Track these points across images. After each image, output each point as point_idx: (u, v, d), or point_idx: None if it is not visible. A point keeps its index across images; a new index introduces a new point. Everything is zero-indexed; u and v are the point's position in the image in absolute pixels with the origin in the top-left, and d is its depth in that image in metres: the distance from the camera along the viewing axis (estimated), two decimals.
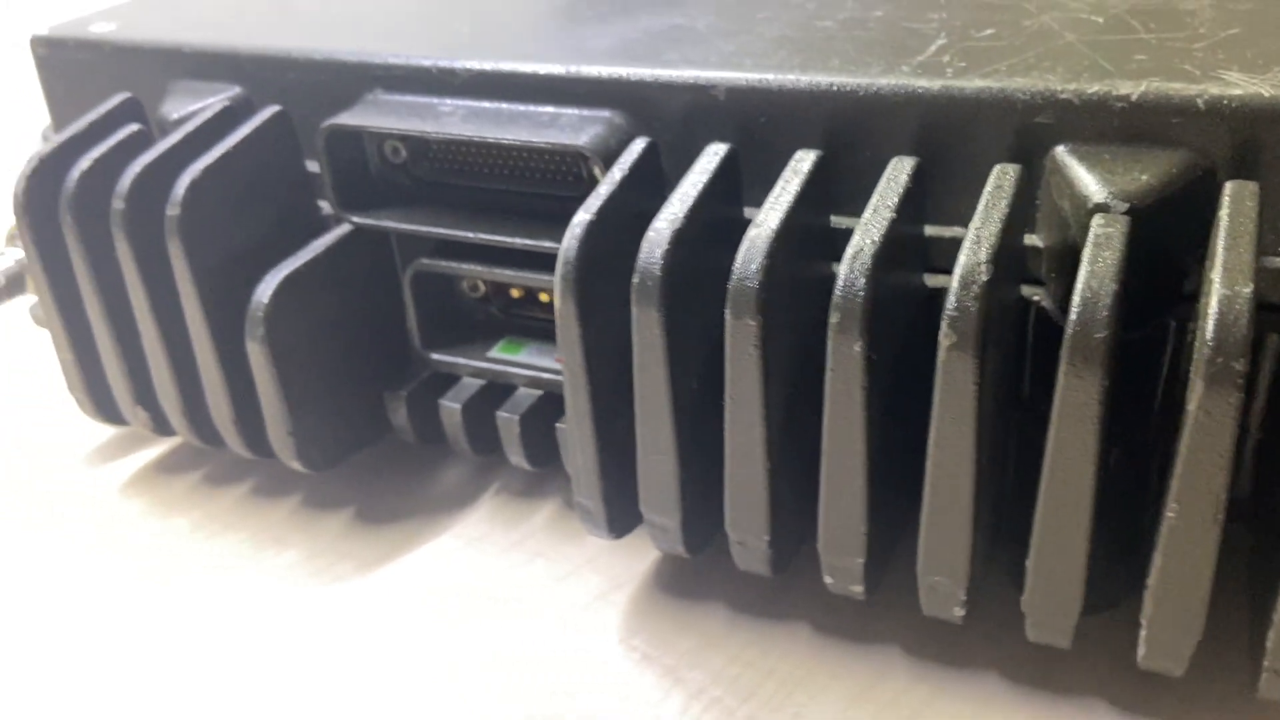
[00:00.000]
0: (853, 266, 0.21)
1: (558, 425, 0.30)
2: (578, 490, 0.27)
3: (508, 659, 0.27)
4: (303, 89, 0.32)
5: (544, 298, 0.32)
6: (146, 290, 0.30)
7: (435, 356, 0.32)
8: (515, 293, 0.33)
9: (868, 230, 0.22)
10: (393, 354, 0.32)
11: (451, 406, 0.31)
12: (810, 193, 0.24)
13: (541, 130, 0.28)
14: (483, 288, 0.33)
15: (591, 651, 0.26)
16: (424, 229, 0.30)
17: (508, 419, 0.31)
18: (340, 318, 0.31)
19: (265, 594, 0.30)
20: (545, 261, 0.28)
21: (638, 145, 0.26)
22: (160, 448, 0.37)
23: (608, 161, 0.27)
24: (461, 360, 0.32)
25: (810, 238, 0.24)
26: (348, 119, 0.30)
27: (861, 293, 0.21)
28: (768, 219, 0.23)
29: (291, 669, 0.27)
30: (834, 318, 0.21)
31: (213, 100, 0.33)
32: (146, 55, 0.34)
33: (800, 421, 0.24)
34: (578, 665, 0.26)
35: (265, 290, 0.29)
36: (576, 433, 0.26)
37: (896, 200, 0.22)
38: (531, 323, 0.32)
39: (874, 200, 0.23)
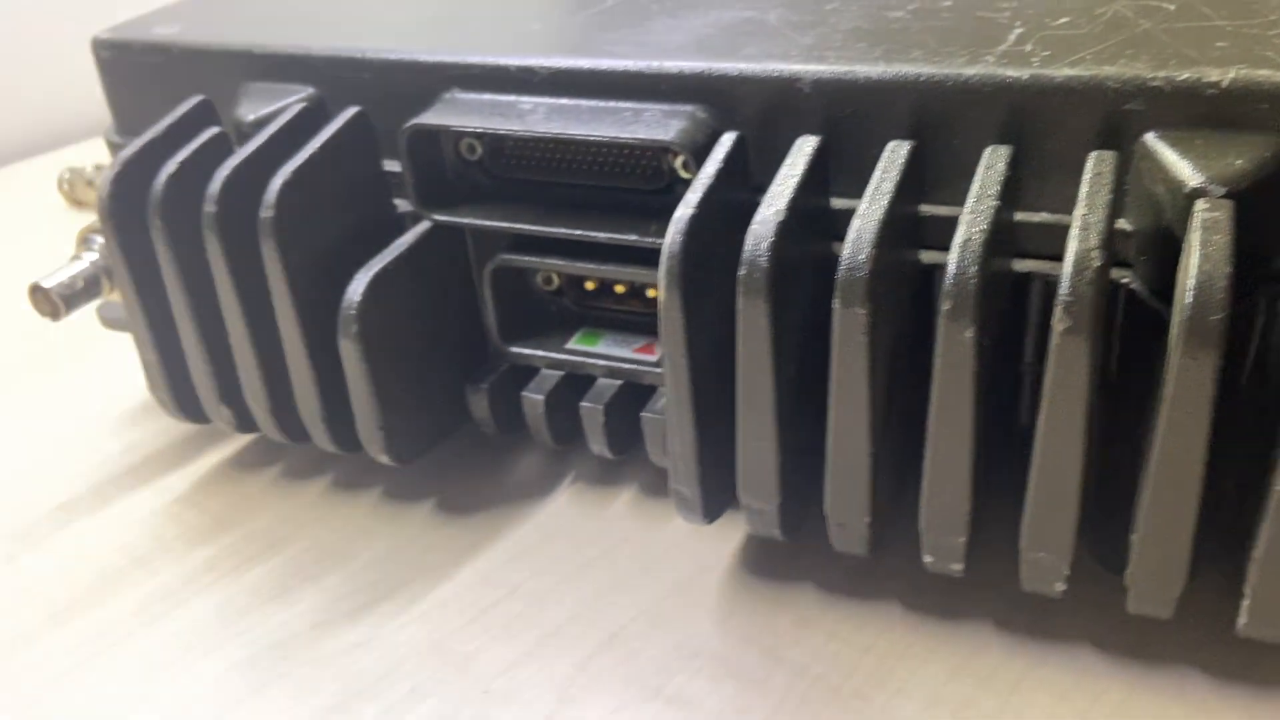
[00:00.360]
0: (964, 255, 0.22)
1: (643, 415, 0.30)
2: (675, 478, 0.27)
3: (604, 642, 0.27)
4: (377, 90, 0.32)
5: (619, 289, 0.33)
6: (236, 290, 0.30)
7: (514, 349, 0.33)
8: (590, 285, 0.33)
9: (975, 219, 0.22)
10: (469, 347, 0.32)
11: (535, 398, 0.32)
12: (907, 183, 0.25)
13: (627, 126, 0.28)
14: (557, 281, 0.33)
15: (689, 633, 0.27)
16: (506, 225, 0.30)
17: (592, 409, 0.31)
18: (422, 313, 0.32)
19: (363, 584, 0.30)
20: (623, 254, 0.29)
21: (728, 139, 0.27)
22: (231, 446, 0.37)
23: (696, 156, 0.27)
24: (540, 352, 0.32)
25: (907, 227, 0.25)
26: (432, 119, 0.30)
27: (973, 280, 0.22)
28: (872, 209, 0.23)
29: (390, 662, 0.27)
30: (945, 305, 0.22)
31: (288, 102, 0.33)
32: (218, 58, 0.35)
33: (896, 404, 0.25)
34: (676, 646, 0.27)
35: (357, 288, 0.29)
36: (676, 421, 0.26)
37: (999, 188, 0.23)
38: (606, 314, 0.32)
39: (976, 189, 0.23)
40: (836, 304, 0.23)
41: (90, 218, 0.36)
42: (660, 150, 0.30)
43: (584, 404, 0.31)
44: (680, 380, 0.25)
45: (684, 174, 0.30)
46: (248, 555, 0.32)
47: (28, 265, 0.50)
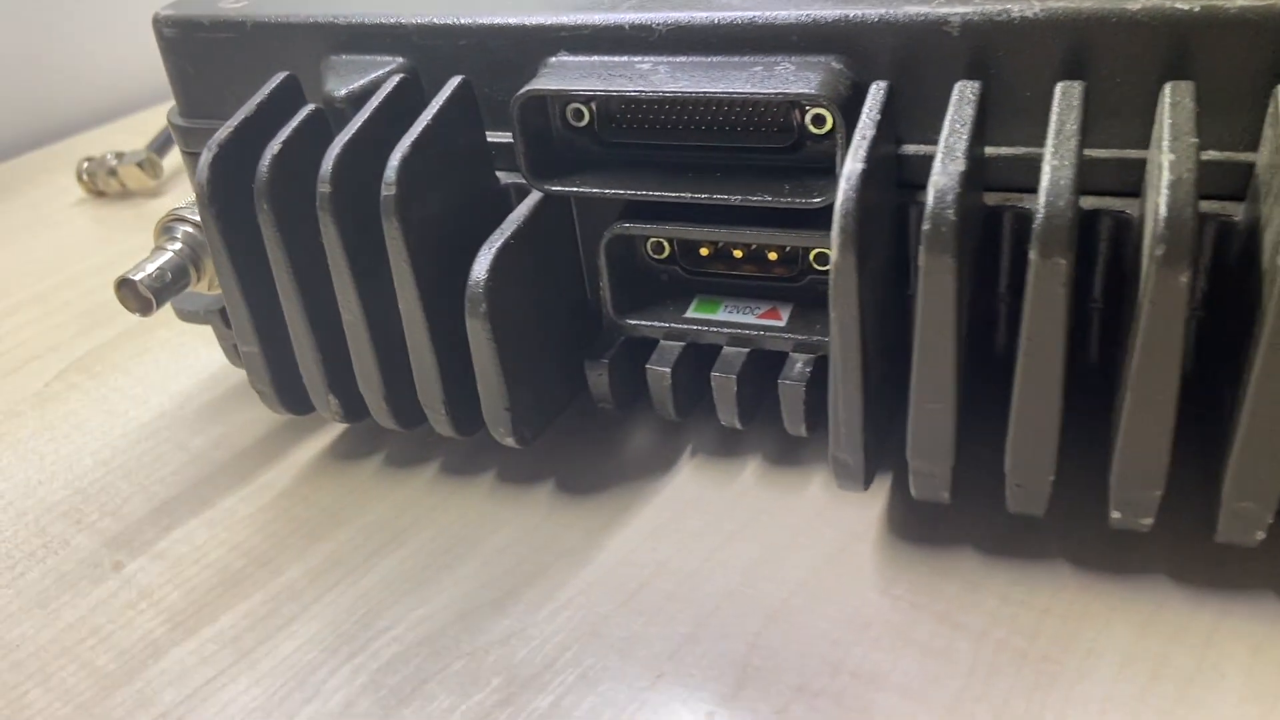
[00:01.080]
0: (1176, 196, 0.21)
1: (782, 382, 0.29)
2: (836, 445, 0.26)
3: (769, 618, 0.26)
4: (476, 58, 0.31)
5: (736, 254, 0.32)
6: (352, 273, 0.29)
7: (630, 321, 0.31)
8: (704, 250, 0.32)
9: (1180, 160, 0.21)
10: (577, 321, 0.31)
11: (660, 370, 0.31)
12: (1085, 125, 0.23)
13: (763, 81, 0.27)
14: (668, 248, 0.32)
15: (854, 604, 0.26)
16: (630, 193, 0.29)
17: (724, 379, 0.30)
18: (538, 288, 0.30)
19: (500, 571, 0.29)
20: (744, 217, 0.28)
21: (879, 89, 0.26)
22: (326, 436, 0.36)
23: (843, 110, 0.26)
24: (658, 323, 0.31)
25: (1086, 171, 0.24)
26: (548, 84, 0.29)
27: (1189, 223, 0.20)
28: (1062, 157, 0.22)
29: (550, 650, 0.26)
30: (1159, 250, 0.21)
31: (379, 74, 0.32)
32: (299, 31, 0.33)
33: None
34: (845, 619, 0.26)
35: (482, 265, 0.28)
36: (843, 388, 0.25)
37: (1193, 125, 0.22)
38: (720, 280, 0.31)
39: (1168, 129, 0.22)
40: (1034, 255, 0.22)
41: (113, 206, 0.34)
42: (790, 105, 0.28)
43: (715, 374, 0.30)
44: (850, 345, 0.24)
45: (814, 129, 0.28)
46: (372, 548, 0.31)
47: (63, 258, 0.48)
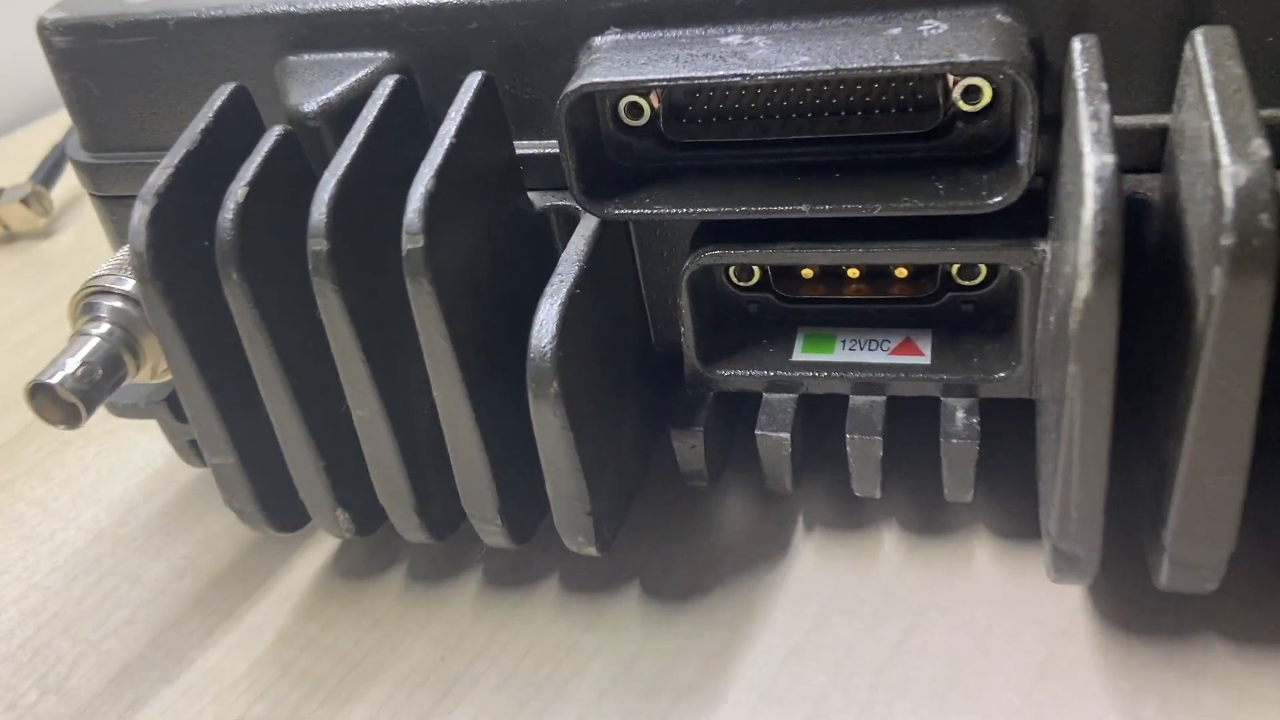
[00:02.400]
0: (1251, 174, 0.14)
1: (949, 443, 0.23)
2: (1062, 534, 0.20)
3: None
4: (490, 45, 0.24)
5: (853, 273, 0.25)
6: (365, 354, 0.21)
7: (723, 372, 0.25)
8: (808, 273, 0.25)
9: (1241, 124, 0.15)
10: (647, 373, 0.26)
11: (778, 439, 0.24)
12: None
13: (911, 48, 0.20)
14: (758, 273, 0.26)
15: None
16: (719, 211, 0.23)
17: (865, 442, 0.24)
18: (606, 345, 0.24)
19: (617, 710, 0.22)
20: (872, 228, 0.22)
21: (1087, 45, 0.19)
22: (317, 552, 0.28)
23: (1034, 77, 0.19)
24: (758, 371, 0.25)
25: None
26: (607, 75, 0.21)
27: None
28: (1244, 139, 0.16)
29: None
30: (1226, 240, 0.15)
31: (360, 77, 0.24)
32: (242, 27, 0.25)
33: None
34: None
35: (547, 328, 0.21)
36: (1081, 465, 0.19)
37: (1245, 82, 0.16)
38: (830, 307, 0.25)
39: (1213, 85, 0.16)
40: (1222, 277, 0.16)
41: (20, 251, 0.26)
42: (935, 79, 0.22)
43: (854, 435, 0.24)
44: (1099, 409, 0.18)
45: (966, 106, 0.22)
46: (421, 710, 0.23)
47: None
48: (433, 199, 0.20)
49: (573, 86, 0.22)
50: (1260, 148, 0.16)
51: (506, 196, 0.24)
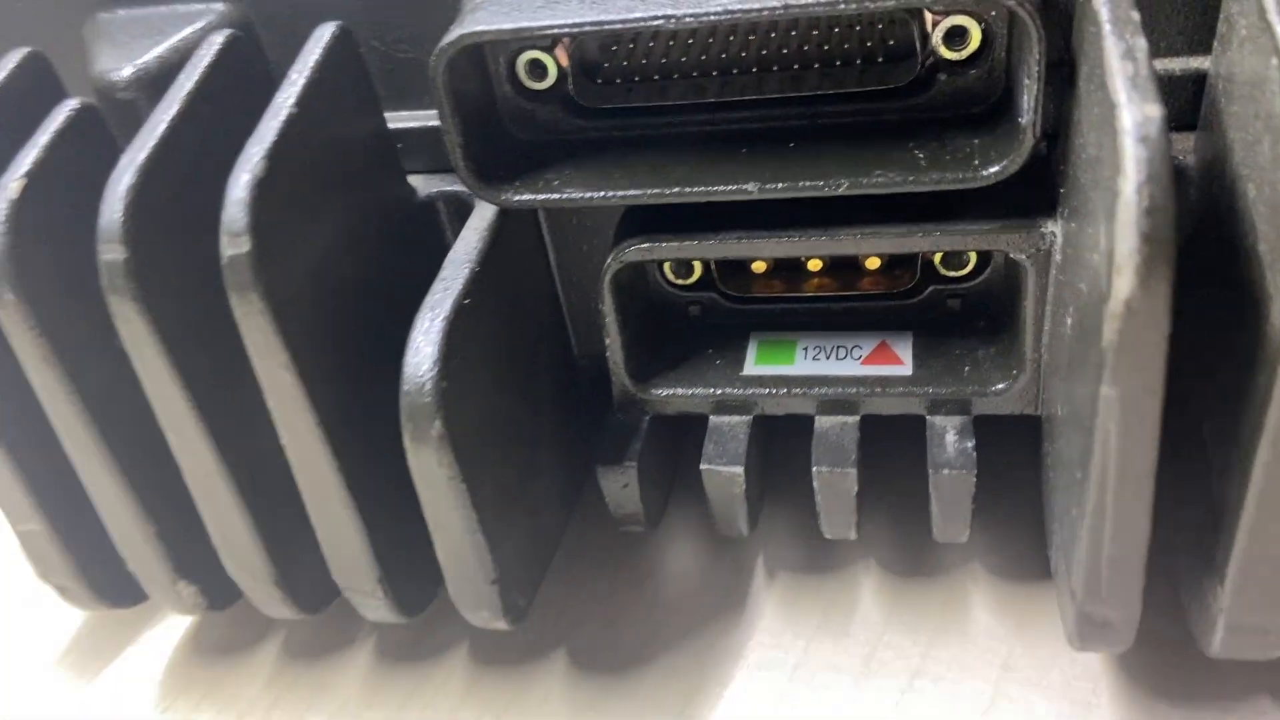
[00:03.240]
0: None
1: (938, 472, 0.19)
2: (1094, 595, 0.16)
3: None
4: None
5: (814, 265, 0.22)
6: (188, 392, 0.17)
7: (660, 392, 0.21)
8: (759, 267, 0.22)
9: None
10: (566, 393, 0.22)
11: (731, 472, 0.21)
12: None
13: None
14: (698, 270, 0.22)
15: None
16: (645, 193, 0.19)
17: (836, 475, 0.20)
18: (510, 366, 0.20)
19: None
20: (829, 211, 0.19)
21: None
22: (168, 627, 0.24)
23: (1039, 9, 0.15)
24: (702, 390, 0.21)
25: None
26: (491, 23, 0.17)
27: None
28: None
29: None
30: None
31: (186, 34, 0.20)
32: None
33: None
34: None
35: (425, 351, 0.17)
36: (1115, 512, 0.15)
37: None
38: (788, 307, 0.22)
39: None
40: None
41: None
42: (909, 19, 0.18)
43: (822, 468, 0.20)
44: (1144, 444, 0.14)
45: (949, 53, 0.18)
46: None
47: None
48: (263, 188, 0.16)
49: (451, 38, 0.17)
50: None
51: (376, 183, 0.20)
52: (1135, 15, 0.14)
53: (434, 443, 0.17)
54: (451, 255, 0.19)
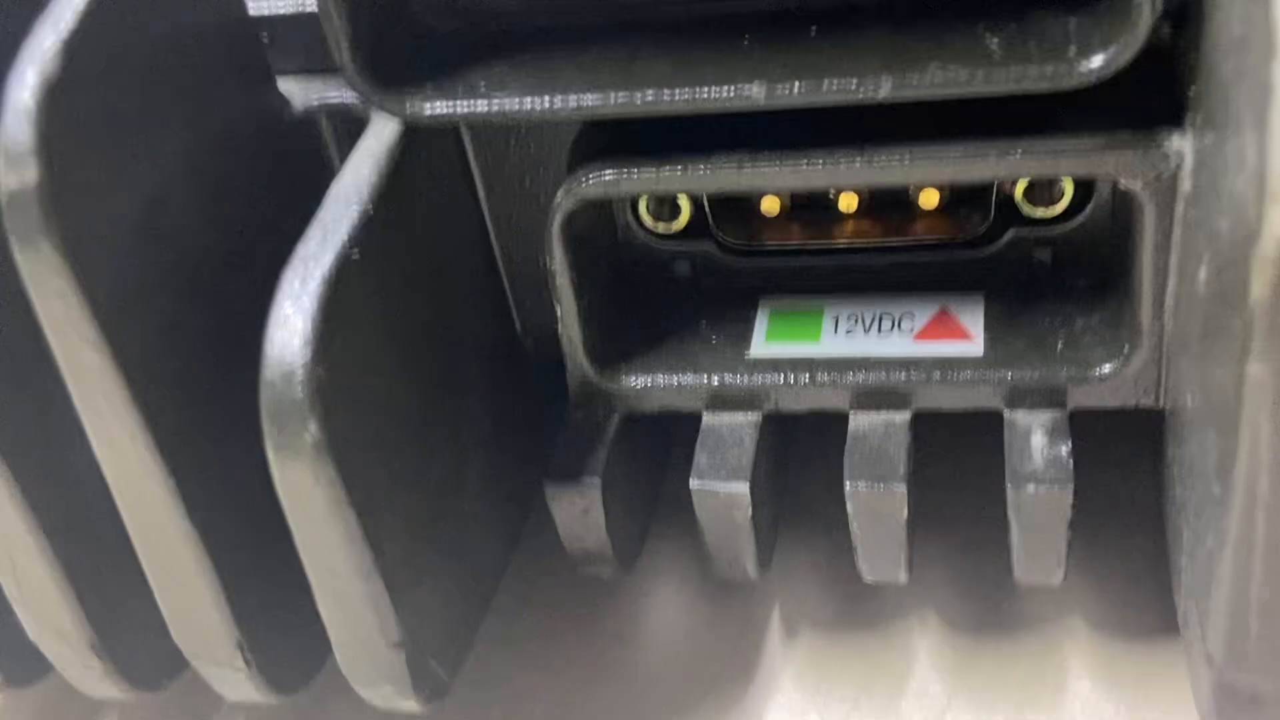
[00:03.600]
0: None
1: (1020, 489, 0.20)
2: (1238, 658, 0.17)
3: None
4: None
5: (847, 203, 0.22)
6: None
7: (633, 381, 0.22)
8: (770, 205, 0.22)
9: None
10: (520, 390, 0.23)
11: (730, 492, 0.21)
12: None
13: None
14: (687, 210, 0.23)
15: None
16: (614, 102, 0.19)
17: (879, 495, 0.20)
18: (424, 346, 0.20)
19: None
20: (865, 124, 0.19)
21: None
22: None
23: None
24: (691, 378, 0.22)
25: None
26: None
27: None
28: None
29: None
30: None
31: None
32: None
33: None
34: None
35: (295, 326, 0.17)
36: (1273, 542, 0.15)
37: None
38: (812, 263, 0.23)
39: None
40: None
41: None
42: None
43: (860, 485, 0.20)
44: None
45: None
46: None
47: None
48: (58, 93, 0.15)
49: None
50: None
51: (230, 89, 0.20)
52: None
53: (309, 453, 0.17)
54: (334, 189, 0.19)
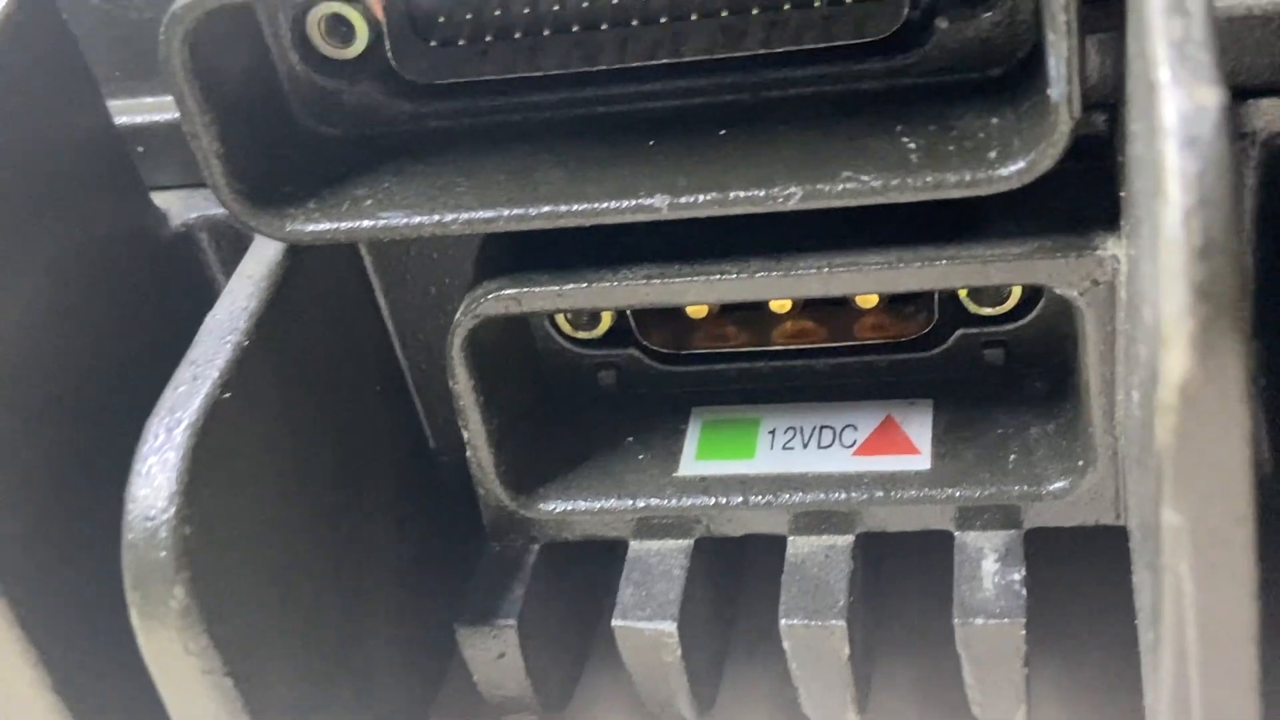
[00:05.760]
0: None
1: (966, 622, 0.20)
2: None
3: None
4: None
5: (779, 306, 0.23)
6: None
7: (552, 507, 0.22)
8: (697, 311, 0.23)
9: None
10: (427, 520, 0.23)
11: (657, 631, 0.21)
12: None
13: None
14: (607, 319, 0.23)
15: None
16: (507, 217, 0.19)
17: (817, 632, 0.21)
18: (310, 485, 0.21)
19: None
20: (785, 229, 0.20)
21: None
22: None
23: None
24: (615, 502, 0.22)
25: None
26: None
27: None
28: None
29: None
30: None
31: None
32: None
33: None
34: None
35: (158, 482, 0.18)
36: (1208, 685, 0.16)
37: None
38: (746, 367, 0.24)
39: None
40: None
41: None
42: None
43: (794, 622, 0.21)
44: (1229, 586, 0.15)
45: None
46: None
47: None
48: None
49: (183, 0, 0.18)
50: None
51: (99, 205, 0.21)
52: None
53: (175, 620, 0.17)
54: (208, 321, 0.19)
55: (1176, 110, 0.13)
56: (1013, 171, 0.17)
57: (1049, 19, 0.17)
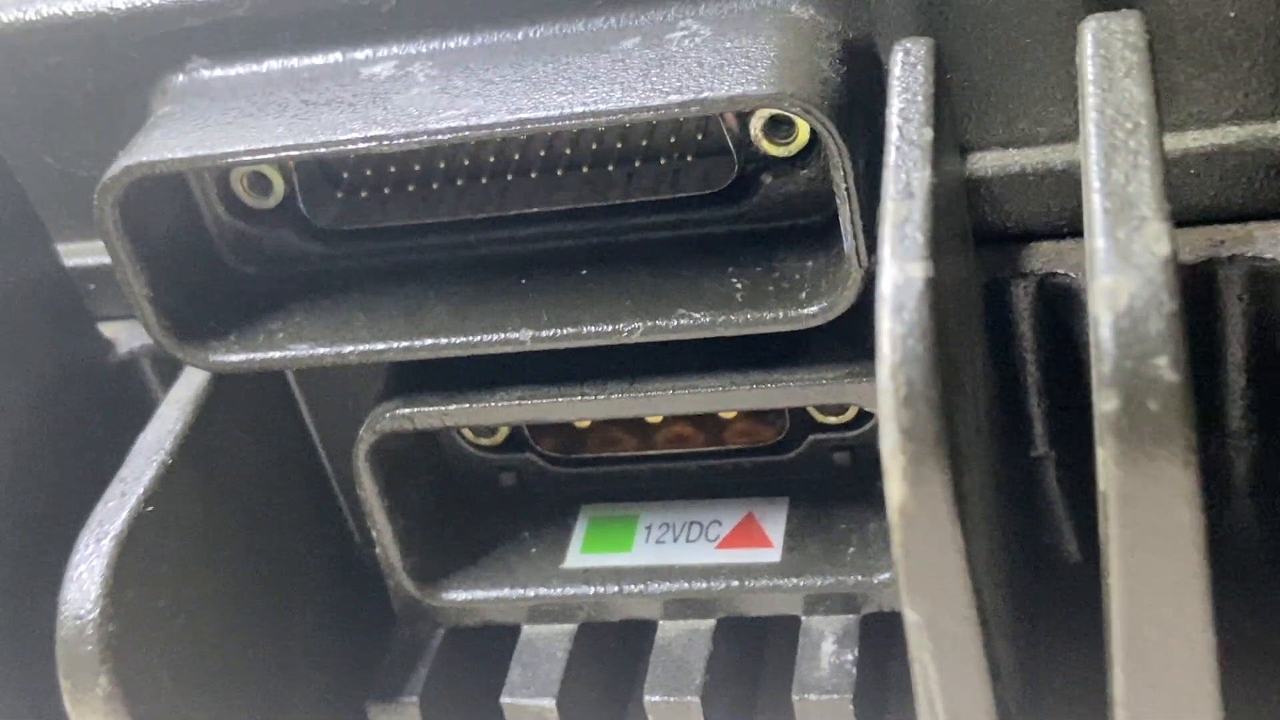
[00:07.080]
0: None
1: (803, 697, 0.22)
2: None
3: None
4: (6, 93, 0.23)
5: (654, 418, 0.24)
6: None
7: (454, 596, 0.24)
8: (583, 421, 0.25)
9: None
10: (351, 612, 0.25)
11: (539, 708, 0.23)
12: None
13: (658, 76, 0.20)
14: (503, 432, 0.25)
15: None
16: (395, 349, 0.22)
17: (675, 705, 0.22)
18: (234, 583, 0.23)
19: None
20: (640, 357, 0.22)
21: (919, 50, 0.18)
22: None
23: (840, 118, 0.18)
24: (509, 591, 0.24)
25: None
26: (166, 149, 0.20)
27: None
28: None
29: None
30: None
31: None
32: None
33: None
34: None
35: (86, 585, 0.20)
36: None
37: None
38: (631, 469, 0.25)
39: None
40: None
41: None
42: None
43: (655, 699, 0.23)
44: (961, 674, 0.17)
45: (773, 148, 0.21)
46: None
47: None
48: None
49: (114, 170, 0.21)
50: (1158, 238, 0.15)
51: (49, 337, 0.23)
52: (926, 133, 0.17)
53: (100, 706, 0.20)
54: (139, 442, 0.22)
55: (890, 281, 0.16)
56: (816, 311, 0.20)
57: (835, 185, 0.19)
